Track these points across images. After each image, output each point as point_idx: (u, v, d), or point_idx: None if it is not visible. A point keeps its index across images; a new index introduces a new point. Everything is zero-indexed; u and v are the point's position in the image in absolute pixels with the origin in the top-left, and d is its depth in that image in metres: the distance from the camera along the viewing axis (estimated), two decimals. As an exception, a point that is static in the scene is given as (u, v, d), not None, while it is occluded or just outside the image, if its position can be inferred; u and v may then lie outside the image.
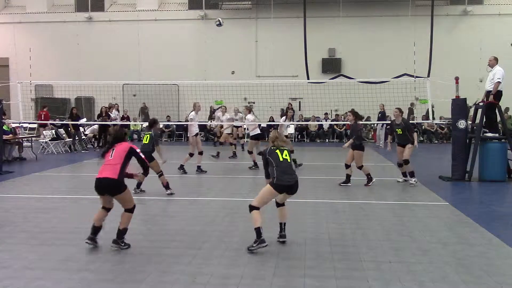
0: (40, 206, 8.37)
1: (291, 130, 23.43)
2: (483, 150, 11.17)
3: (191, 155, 12.32)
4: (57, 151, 17.56)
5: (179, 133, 24.61)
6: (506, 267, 5.20)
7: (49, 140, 17.64)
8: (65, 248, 5.83)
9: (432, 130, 23.19)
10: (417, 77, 16.86)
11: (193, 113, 12.58)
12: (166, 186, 9.40)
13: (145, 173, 6.89)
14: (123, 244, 5.80)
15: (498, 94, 11.07)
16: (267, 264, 5.26)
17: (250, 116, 14.46)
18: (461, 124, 11.38)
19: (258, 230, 5.64)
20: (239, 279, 4.82)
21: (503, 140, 11.23)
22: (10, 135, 14.99)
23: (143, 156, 6.17)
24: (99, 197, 5.91)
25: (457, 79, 12.04)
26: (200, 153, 12.38)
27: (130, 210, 5.91)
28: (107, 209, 5.95)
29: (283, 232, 6.05)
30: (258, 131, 13.86)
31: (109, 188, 5.74)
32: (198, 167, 12.32)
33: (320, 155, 17.46)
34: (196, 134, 12.49)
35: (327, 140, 23.62)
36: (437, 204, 8.51)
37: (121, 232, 5.83)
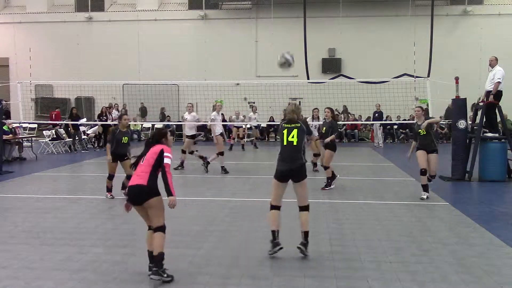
0: (40, 206, 8.37)
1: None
2: (483, 150, 11.17)
3: (220, 154, 12.37)
4: (57, 151, 17.56)
5: (179, 133, 24.59)
6: (506, 267, 5.20)
7: (49, 140, 17.64)
8: (65, 248, 5.83)
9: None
10: (417, 77, 16.86)
11: (214, 113, 12.83)
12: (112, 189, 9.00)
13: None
14: (165, 275, 4.71)
15: (498, 94, 11.06)
16: (267, 264, 5.26)
17: (252, 115, 14.53)
18: (461, 124, 11.38)
19: (272, 233, 5.38)
20: (239, 279, 4.82)
21: (503, 140, 11.24)
22: (10, 135, 14.99)
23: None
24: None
25: (457, 79, 12.04)
26: (221, 153, 12.40)
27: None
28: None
29: (303, 240, 5.45)
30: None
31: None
32: (222, 167, 12.33)
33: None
34: (221, 134, 12.64)
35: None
36: (437, 204, 8.51)
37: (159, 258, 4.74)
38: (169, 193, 4.83)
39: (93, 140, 20.31)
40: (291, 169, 5.42)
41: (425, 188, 8.87)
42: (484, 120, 11.28)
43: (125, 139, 8.89)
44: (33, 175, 12.10)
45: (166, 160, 4.87)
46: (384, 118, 21.11)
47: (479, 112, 11.54)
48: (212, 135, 13.03)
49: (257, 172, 12.32)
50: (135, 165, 5.01)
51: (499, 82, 10.92)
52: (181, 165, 12.91)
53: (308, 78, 18.56)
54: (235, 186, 10.44)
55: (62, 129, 18.78)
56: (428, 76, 16.67)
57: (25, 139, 16.76)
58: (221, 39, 25.75)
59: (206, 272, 5.01)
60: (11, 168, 13.05)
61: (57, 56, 26.70)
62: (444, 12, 24.79)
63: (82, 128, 20.07)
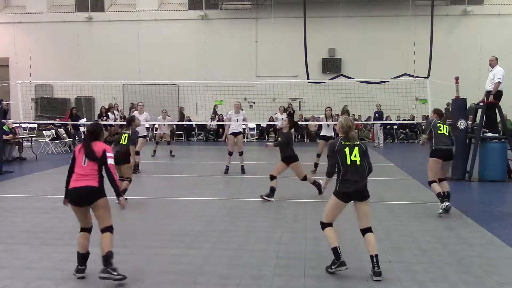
0: (40, 206, 8.37)
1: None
2: (483, 150, 11.16)
3: (240, 153, 12.38)
4: (57, 151, 17.56)
5: (179, 133, 24.60)
6: (506, 267, 5.20)
7: (49, 140, 17.64)
8: (65, 248, 5.83)
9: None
10: (417, 77, 16.87)
11: (231, 112, 12.97)
12: (122, 191, 8.74)
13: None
14: (115, 273, 4.66)
15: (498, 94, 11.06)
16: (267, 264, 5.26)
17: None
18: (461, 124, 11.38)
19: (335, 250, 4.89)
20: (239, 279, 4.81)
21: (503, 140, 11.23)
22: (10, 135, 14.99)
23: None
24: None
25: (457, 79, 12.04)
26: (240, 153, 12.38)
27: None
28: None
29: (376, 268, 4.76)
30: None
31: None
32: (242, 167, 12.28)
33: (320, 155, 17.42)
34: (239, 133, 12.69)
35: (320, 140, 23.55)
36: (437, 204, 8.47)
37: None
38: (119, 194, 4.95)
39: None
40: (357, 190, 5.11)
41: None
42: (484, 120, 11.28)
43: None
44: (33, 175, 12.10)
45: (110, 161, 4.86)
46: (384, 118, 21.11)
47: (479, 112, 11.53)
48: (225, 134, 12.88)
49: (257, 172, 12.30)
50: (73, 164, 4.94)
51: (499, 82, 10.91)
52: (137, 167, 12.34)
53: (308, 78, 18.57)
54: (235, 186, 10.44)
55: (62, 129, 18.78)
56: (428, 76, 16.67)
57: (25, 139, 16.76)
58: (221, 39, 25.76)
59: (206, 272, 5.01)
60: (11, 168, 13.04)
61: (57, 56, 26.70)
62: (444, 12, 24.79)
63: (82, 128, 20.05)
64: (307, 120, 24.29)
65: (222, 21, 26.34)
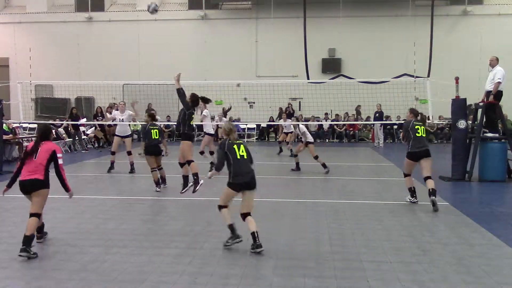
0: (40, 206, 8.35)
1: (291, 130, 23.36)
2: (483, 150, 11.16)
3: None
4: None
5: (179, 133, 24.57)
6: (506, 267, 5.21)
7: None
8: (65, 248, 5.83)
9: (432, 130, 23.20)
10: (417, 77, 16.87)
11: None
12: (163, 180, 9.97)
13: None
14: (32, 253, 5.46)
15: (498, 94, 11.06)
16: (267, 264, 5.26)
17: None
18: (461, 124, 11.38)
19: (231, 227, 5.82)
20: (239, 279, 4.82)
21: (503, 140, 11.23)
22: (10, 135, 14.99)
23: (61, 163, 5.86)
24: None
25: (457, 79, 12.04)
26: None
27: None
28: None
29: (257, 241, 5.58)
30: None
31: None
32: None
33: (320, 155, 17.43)
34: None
35: (327, 140, 23.61)
36: (437, 204, 8.49)
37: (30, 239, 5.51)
38: (67, 189, 6.00)
39: (93, 140, 20.30)
40: (246, 181, 6.12)
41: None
42: (484, 120, 11.28)
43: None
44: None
45: (60, 161, 5.87)
46: (384, 118, 21.11)
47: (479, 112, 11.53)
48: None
49: (257, 172, 12.28)
50: (24, 159, 5.78)
51: (499, 82, 10.91)
52: (112, 166, 12.43)
53: (308, 78, 18.58)
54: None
55: (62, 129, 18.78)
56: (428, 76, 16.69)
57: (25, 139, 16.76)
58: (221, 39, 25.75)
59: (206, 272, 5.01)
60: (11, 168, 13.02)
61: (57, 56, 26.69)
62: (444, 12, 24.77)
63: (82, 128, 20.06)
64: (307, 120, 24.32)
65: (222, 21, 26.33)
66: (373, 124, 21.73)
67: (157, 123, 10.55)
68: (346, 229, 6.73)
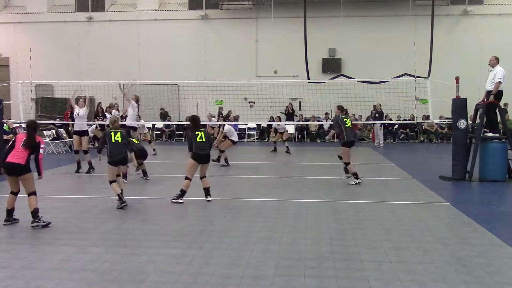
0: (40, 206, 8.33)
1: (291, 129, 23.43)
2: (483, 150, 11.16)
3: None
4: (58, 151, 17.56)
5: (179, 133, 24.62)
6: (506, 267, 5.20)
7: (49, 140, 17.63)
8: (65, 248, 5.83)
9: (432, 130, 23.20)
10: (417, 77, 16.84)
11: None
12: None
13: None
14: (42, 221, 6.78)
15: (498, 94, 11.05)
16: (267, 264, 5.26)
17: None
18: (461, 124, 11.37)
19: (119, 196, 8.01)
20: (239, 279, 4.81)
21: (503, 140, 11.23)
22: (10, 135, 14.97)
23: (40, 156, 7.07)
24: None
25: (457, 79, 12.04)
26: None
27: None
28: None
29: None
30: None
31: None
32: None
33: (320, 155, 17.47)
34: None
35: (327, 140, 23.58)
36: (437, 204, 8.51)
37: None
38: (40, 173, 7.22)
39: (93, 140, 20.27)
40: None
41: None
42: (485, 120, 11.28)
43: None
44: (33, 175, 12.07)
45: (41, 151, 7.09)
46: (383, 118, 21.10)
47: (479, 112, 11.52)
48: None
49: (257, 172, 12.32)
50: (11, 146, 7.00)
51: (499, 82, 10.90)
52: (78, 166, 12.45)
53: (308, 78, 18.54)
54: (235, 186, 10.44)
55: (62, 129, 18.78)
56: (428, 76, 16.65)
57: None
58: (221, 39, 25.75)
59: (206, 272, 5.01)
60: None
61: (57, 56, 26.70)
62: (444, 12, 24.77)
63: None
64: (307, 120, 24.31)
65: (222, 21, 26.34)
66: (373, 124, 21.71)
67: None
68: (346, 229, 6.73)
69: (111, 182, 8.22)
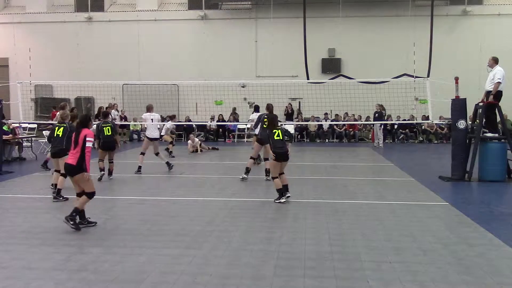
0: (40, 206, 8.37)
1: (291, 130, 23.42)
2: (483, 150, 11.16)
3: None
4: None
5: (179, 133, 24.59)
6: (506, 267, 5.20)
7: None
8: (65, 248, 5.83)
9: (431, 130, 23.20)
10: (417, 77, 16.86)
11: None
12: (101, 169, 11.02)
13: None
14: (71, 223, 6.61)
15: (498, 94, 11.06)
16: (267, 264, 5.26)
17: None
18: (461, 124, 11.38)
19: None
20: (239, 279, 4.82)
21: (503, 140, 11.23)
22: (10, 135, 14.98)
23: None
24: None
25: (457, 79, 12.04)
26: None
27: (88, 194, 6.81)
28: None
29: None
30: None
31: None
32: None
33: (320, 155, 17.46)
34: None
35: (327, 140, 23.61)
36: (437, 204, 8.51)
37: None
38: (85, 170, 6.79)
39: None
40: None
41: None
42: (484, 120, 11.28)
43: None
44: (32, 175, 12.10)
45: (88, 144, 6.68)
46: (385, 118, 21.09)
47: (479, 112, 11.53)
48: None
49: (258, 172, 12.30)
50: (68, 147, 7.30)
51: (499, 82, 10.90)
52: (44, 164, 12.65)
53: (308, 78, 18.55)
54: (235, 186, 10.44)
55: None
56: (428, 76, 16.66)
57: (25, 139, 16.75)
58: (221, 39, 25.75)
59: (206, 272, 5.01)
60: (11, 168, 13.04)
61: (57, 56, 26.69)
62: (444, 12, 24.78)
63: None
64: (307, 120, 24.31)
65: (222, 21, 26.33)
66: (373, 124, 21.69)
67: (109, 120, 11.71)
68: (346, 229, 6.73)
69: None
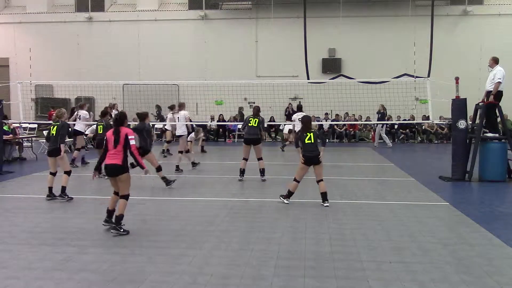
0: (40, 206, 8.37)
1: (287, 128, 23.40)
2: (483, 150, 11.16)
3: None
4: (57, 151, 17.54)
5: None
6: (506, 267, 5.20)
7: (49, 140, 17.61)
8: (65, 248, 5.83)
9: (432, 130, 23.19)
10: (417, 77, 16.85)
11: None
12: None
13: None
14: (122, 230, 6.43)
15: (498, 94, 11.06)
16: (267, 264, 5.26)
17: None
18: (461, 124, 11.38)
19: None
20: (239, 279, 4.82)
21: (503, 140, 11.23)
22: (10, 135, 14.98)
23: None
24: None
25: (457, 79, 12.04)
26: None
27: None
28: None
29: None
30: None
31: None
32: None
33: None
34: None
35: (327, 140, 23.57)
36: (437, 204, 8.51)
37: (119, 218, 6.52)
38: (141, 167, 6.78)
39: (92, 140, 20.29)
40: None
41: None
42: (484, 120, 11.27)
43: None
44: (33, 175, 12.11)
45: (132, 142, 6.59)
46: (385, 118, 21.05)
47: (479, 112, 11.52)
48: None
49: (257, 172, 12.28)
50: (106, 147, 6.62)
51: (499, 82, 10.90)
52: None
53: (308, 78, 18.55)
54: (235, 187, 10.44)
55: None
56: (428, 76, 16.66)
57: (25, 139, 16.76)
58: (221, 39, 25.75)
59: (206, 272, 5.01)
60: (11, 168, 13.05)
61: (57, 56, 26.70)
62: (444, 12, 24.78)
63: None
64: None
65: (222, 21, 26.34)
66: (375, 124, 21.58)
67: (104, 119, 11.90)
68: (346, 229, 6.73)
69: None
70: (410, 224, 7.02)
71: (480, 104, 11.58)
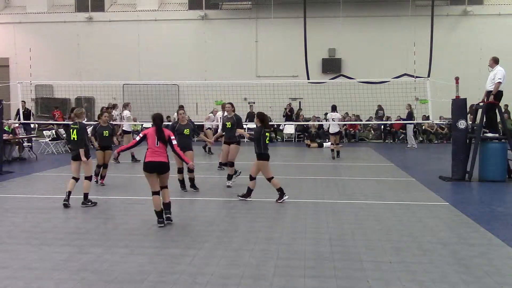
0: (40, 206, 8.37)
1: (291, 130, 23.45)
2: (483, 150, 11.16)
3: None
4: (57, 151, 17.56)
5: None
6: (506, 267, 5.20)
7: (49, 140, 17.63)
8: (65, 248, 5.83)
9: (432, 130, 23.20)
10: (417, 77, 16.85)
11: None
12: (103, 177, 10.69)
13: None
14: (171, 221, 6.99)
15: (498, 94, 11.06)
16: (267, 264, 5.26)
17: None
18: (461, 124, 11.38)
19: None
20: (239, 279, 4.82)
21: (503, 140, 11.23)
22: (10, 135, 14.98)
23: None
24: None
25: (457, 79, 12.04)
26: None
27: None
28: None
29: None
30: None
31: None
32: None
33: (320, 155, 17.46)
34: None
35: (327, 140, 23.57)
36: (437, 204, 8.51)
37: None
38: (186, 161, 7.43)
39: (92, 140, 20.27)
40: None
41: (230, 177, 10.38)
42: (484, 120, 11.28)
43: (106, 133, 10.72)
44: (33, 175, 12.10)
45: (175, 142, 7.15)
46: (384, 118, 21.08)
47: (479, 112, 11.53)
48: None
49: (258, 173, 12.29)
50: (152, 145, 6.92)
51: (499, 82, 10.90)
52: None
53: (308, 78, 18.55)
54: (235, 187, 10.43)
55: (62, 129, 18.77)
56: (428, 76, 16.65)
57: (25, 139, 16.75)
58: (221, 39, 25.77)
59: (206, 272, 5.01)
60: (11, 168, 13.04)
61: (57, 56, 26.72)
62: (444, 12, 24.79)
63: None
64: (307, 120, 24.30)
65: (222, 21, 26.35)
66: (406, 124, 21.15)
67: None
68: (346, 229, 6.73)
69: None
70: (410, 224, 7.02)
71: (478, 104, 11.58)
